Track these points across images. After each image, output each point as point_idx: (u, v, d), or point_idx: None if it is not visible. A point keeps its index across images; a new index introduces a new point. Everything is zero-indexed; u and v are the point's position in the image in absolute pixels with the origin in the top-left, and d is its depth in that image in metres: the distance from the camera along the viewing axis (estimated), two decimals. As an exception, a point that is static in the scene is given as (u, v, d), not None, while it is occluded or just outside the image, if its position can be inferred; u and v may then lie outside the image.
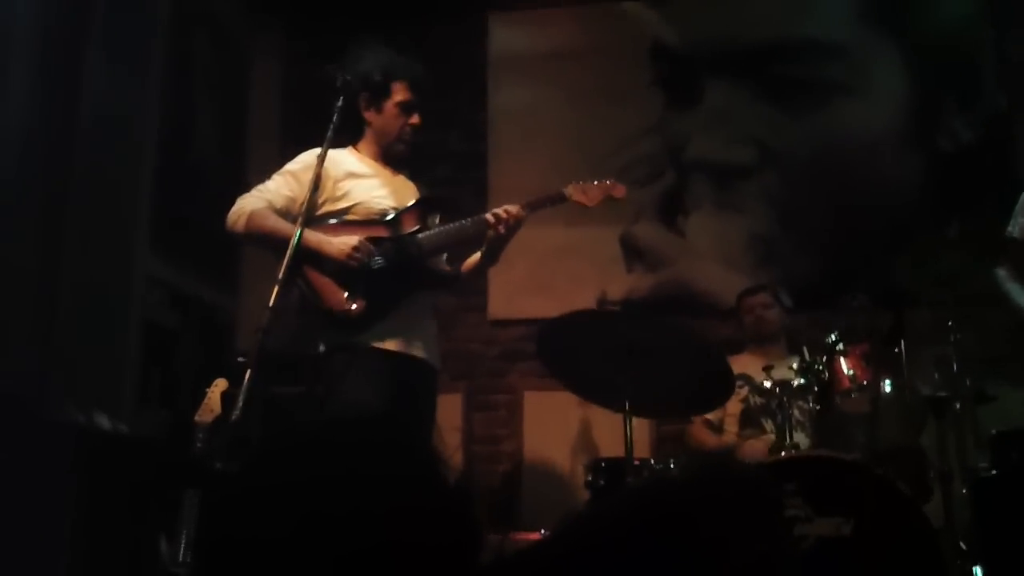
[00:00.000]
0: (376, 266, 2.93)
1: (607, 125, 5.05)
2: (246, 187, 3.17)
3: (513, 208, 3.03)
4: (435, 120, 4.93)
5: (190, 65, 4.68)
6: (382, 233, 3.02)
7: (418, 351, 3.02)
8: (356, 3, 5.11)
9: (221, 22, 4.98)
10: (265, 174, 3.19)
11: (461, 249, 3.23)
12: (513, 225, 3.03)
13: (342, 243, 2.89)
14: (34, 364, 3.27)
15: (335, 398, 2.88)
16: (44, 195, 3.40)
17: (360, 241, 2.91)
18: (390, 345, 2.94)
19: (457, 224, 3.11)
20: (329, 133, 2.93)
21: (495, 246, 3.09)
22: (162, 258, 4.21)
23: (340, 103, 3.01)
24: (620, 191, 3.20)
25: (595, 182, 3.17)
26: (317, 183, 2.90)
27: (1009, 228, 3.51)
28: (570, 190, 3.15)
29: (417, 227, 3.06)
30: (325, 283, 2.89)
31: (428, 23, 5.14)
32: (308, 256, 2.90)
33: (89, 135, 3.60)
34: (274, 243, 2.97)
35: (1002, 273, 3.50)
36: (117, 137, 3.79)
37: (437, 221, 3.17)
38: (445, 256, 3.25)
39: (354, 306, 2.89)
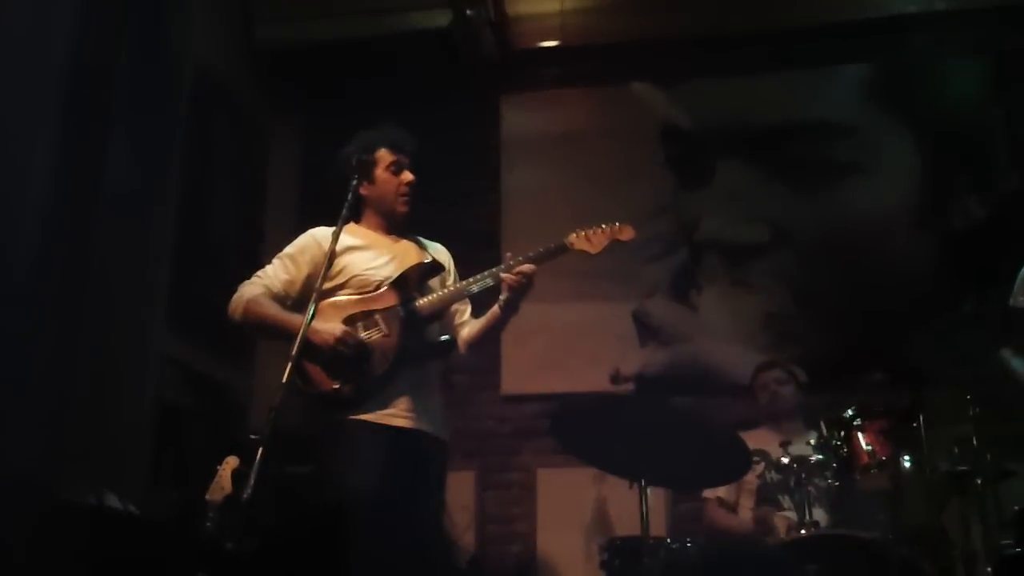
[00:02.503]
0: (361, 350, 2.89)
1: (619, 204, 5.07)
2: (262, 266, 3.19)
3: (526, 267, 2.96)
4: (451, 200, 5.08)
5: (209, 145, 4.77)
6: (385, 302, 2.99)
7: (419, 424, 2.94)
8: (372, 86, 5.21)
9: (240, 103, 5.08)
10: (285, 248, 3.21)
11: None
12: (528, 280, 2.96)
13: (327, 333, 2.85)
14: (49, 444, 3.26)
15: (332, 477, 2.85)
16: (63, 273, 3.43)
17: (343, 331, 2.87)
18: (382, 419, 2.88)
19: (461, 285, 3.09)
20: (344, 211, 2.96)
21: (516, 298, 3.00)
22: (178, 336, 4.24)
23: (354, 183, 3.04)
24: (627, 233, 3.09)
25: (602, 227, 3.07)
26: (332, 261, 2.90)
27: (1011, 301, 3.50)
28: (572, 239, 3.06)
29: (408, 297, 3.00)
30: (313, 368, 2.86)
31: (442, 106, 5.23)
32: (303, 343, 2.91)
33: (108, 213, 3.64)
34: (269, 330, 3.00)
35: (1007, 353, 3.47)
36: (136, 215, 3.84)
37: (451, 281, 3.16)
38: (467, 313, 3.20)
39: (336, 387, 2.86)
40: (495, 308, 3.07)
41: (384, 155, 3.13)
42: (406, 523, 2.75)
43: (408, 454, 2.88)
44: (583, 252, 3.06)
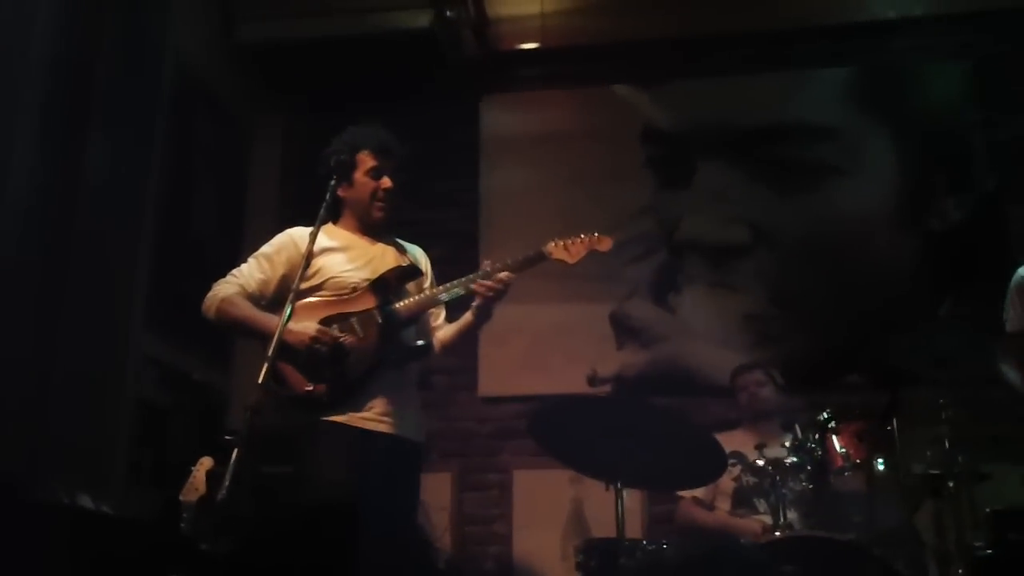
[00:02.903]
0: (337, 350, 2.88)
1: (600, 205, 5.10)
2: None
3: (503, 276, 2.96)
4: (433, 200, 5.08)
5: (190, 143, 4.76)
6: (361, 305, 2.99)
7: (393, 428, 2.93)
8: (353, 85, 5.21)
9: (222, 101, 5.07)
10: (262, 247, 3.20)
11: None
12: (504, 287, 2.96)
13: (302, 332, 2.84)
14: (25, 443, 3.25)
15: (307, 479, 2.85)
16: (42, 271, 3.42)
17: (318, 330, 2.86)
18: (355, 421, 2.88)
19: (434, 291, 3.08)
20: (322, 212, 2.95)
21: (488, 305, 3.00)
22: (156, 336, 4.22)
23: (333, 183, 3.03)
24: (606, 244, 3.07)
25: (580, 237, 3.06)
26: (309, 261, 2.89)
27: (1004, 319, 3.51)
28: (550, 248, 3.05)
29: (384, 300, 2.99)
30: (287, 368, 2.85)
31: (424, 105, 5.23)
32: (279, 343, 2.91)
33: (88, 211, 3.63)
34: (242, 330, 3.00)
35: (1005, 367, 3.48)
36: (116, 214, 3.82)
37: (427, 285, 3.16)
38: (441, 316, 3.21)
39: (311, 388, 2.86)
40: (468, 314, 3.08)
41: (365, 158, 3.11)
42: (380, 526, 2.75)
43: (381, 457, 2.87)
44: (561, 261, 3.06)
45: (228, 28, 5.09)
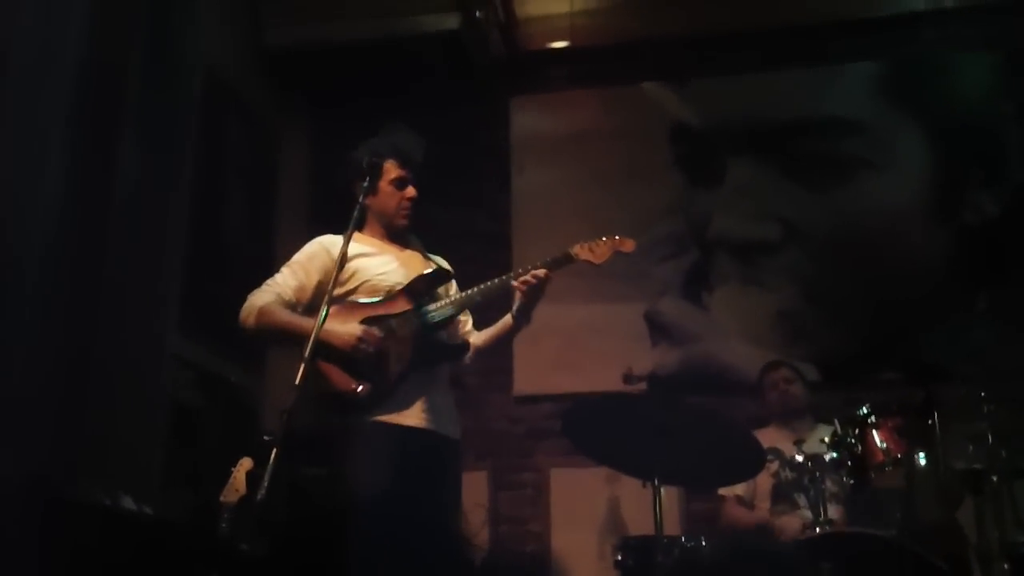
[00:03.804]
0: (382, 351, 2.90)
1: (630, 204, 5.09)
2: (274, 268, 3.19)
3: (539, 272, 2.98)
4: (461, 201, 5.08)
5: (220, 148, 4.78)
6: (397, 308, 3.00)
7: (434, 425, 2.96)
8: (382, 89, 5.22)
9: (251, 106, 5.09)
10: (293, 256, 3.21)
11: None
12: (541, 285, 2.98)
13: (347, 333, 2.86)
14: (63, 445, 3.27)
15: (349, 479, 2.86)
16: (75, 275, 3.45)
17: (364, 330, 2.88)
18: (398, 419, 2.90)
19: (472, 292, 3.10)
20: (354, 214, 2.96)
21: (527, 306, 3.03)
22: (190, 339, 4.25)
23: (365, 188, 3.04)
24: (628, 245, 3.09)
25: (603, 239, 3.08)
26: (343, 265, 2.91)
27: None
28: (576, 249, 3.07)
29: (419, 303, 3.01)
30: (332, 369, 2.87)
31: (452, 107, 5.24)
32: (317, 348, 2.93)
33: (121, 217, 3.66)
34: (284, 336, 3.00)
35: None
36: (148, 219, 3.84)
37: (453, 291, 3.17)
38: (469, 323, 3.23)
39: (360, 388, 2.88)
40: (507, 317, 3.10)
41: (390, 167, 3.13)
42: (423, 524, 2.76)
43: (425, 455, 2.89)
44: (587, 262, 3.07)
45: (256, 33, 5.11)
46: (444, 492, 2.98)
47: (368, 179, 3.04)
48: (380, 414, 2.89)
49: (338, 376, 2.86)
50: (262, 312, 3.00)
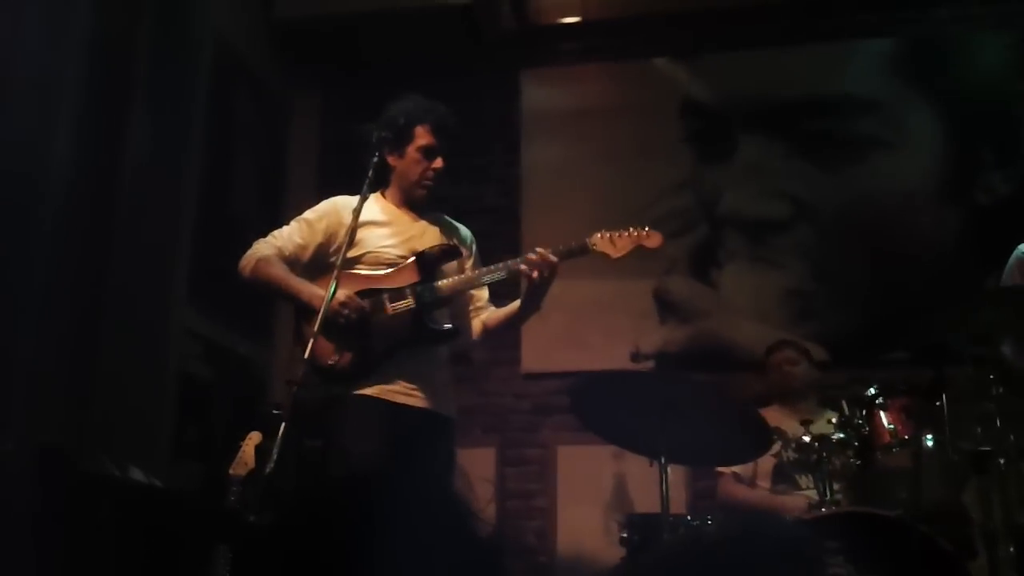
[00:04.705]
0: (362, 320, 2.88)
1: (639, 180, 5.07)
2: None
3: (549, 255, 2.90)
4: (470, 175, 5.06)
5: (230, 120, 4.77)
6: (399, 281, 2.98)
7: (421, 401, 2.94)
8: (392, 60, 5.19)
9: (261, 78, 5.08)
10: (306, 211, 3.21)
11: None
12: (550, 271, 2.91)
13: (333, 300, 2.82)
14: (72, 416, 3.30)
15: (337, 450, 2.88)
16: (85, 248, 3.46)
17: (348, 297, 2.86)
18: (382, 394, 2.89)
19: (473, 274, 3.08)
20: (365, 187, 2.96)
21: (536, 293, 2.97)
22: (199, 311, 4.26)
23: (376, 159, 3.03)
24: (655, 240, 2.95)
25: (628, 231, 2.95)
26: (353, 234, 2.91)
27: None
28: (595, 239, 2.95)
29: (422, 278, 2.98)
30: (318, 340, 2.85)
31: (462, 80, 5.20)
32: (302, 310, 2.93)
33: (130, 190, 3.66)
34: (273, 291, 3.03)
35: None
36: (157, 192, 3.86)
37: (469, 266, 3.15)
38: (484, 298, 3.19)
39: (336, 359, 2.86)
40: (516, 302, 3.07)
41: (422, 133, 3.07)
42: (412, 496, 2.76)
43: (410, 429, 2.88)
44: (604, 255, 2.96)
45: (266, 4, 5.08)
46: (432, 465, 2.94)
47: (395, 138, 3.02)
48: (364, 387, 2.89)
49: (319, 345, 2.80)
50: (260, 262, 3.01)
